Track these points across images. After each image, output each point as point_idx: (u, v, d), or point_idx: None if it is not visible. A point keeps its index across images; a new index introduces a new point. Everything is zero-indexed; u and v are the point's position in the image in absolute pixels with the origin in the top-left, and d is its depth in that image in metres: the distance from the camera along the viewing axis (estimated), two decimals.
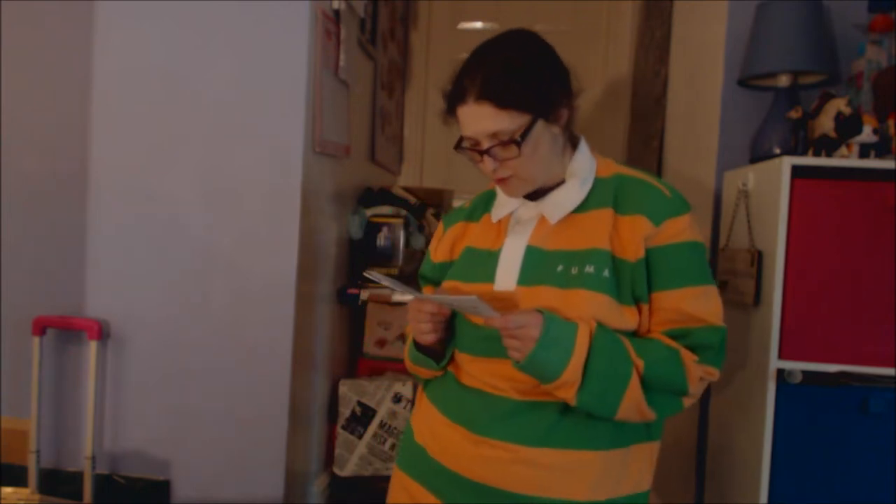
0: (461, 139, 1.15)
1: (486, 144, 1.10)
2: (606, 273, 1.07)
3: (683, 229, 1.10)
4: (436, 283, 1.28)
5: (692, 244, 1.11)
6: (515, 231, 1.17)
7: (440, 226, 1.33)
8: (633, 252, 1.08)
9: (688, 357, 1.08)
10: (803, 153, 1.72)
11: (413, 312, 1.17)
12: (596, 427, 1.10)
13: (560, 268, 1.09)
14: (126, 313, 1.99)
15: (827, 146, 1.64)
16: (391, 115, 3.21)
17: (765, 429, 1.57)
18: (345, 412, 2.27)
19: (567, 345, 1.03)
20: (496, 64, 1.08)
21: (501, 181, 1.14)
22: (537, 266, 1.12)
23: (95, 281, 2.00)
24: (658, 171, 2.68)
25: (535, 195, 1.17)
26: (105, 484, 1.99)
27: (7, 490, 1.93)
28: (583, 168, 1.16)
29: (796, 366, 1.57)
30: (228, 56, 1.94)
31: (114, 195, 1.98)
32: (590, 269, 1.07)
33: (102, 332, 1.97)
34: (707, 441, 1.99)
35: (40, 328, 1.98)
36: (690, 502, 2.08)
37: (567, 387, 1.04)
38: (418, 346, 1.22)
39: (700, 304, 1.08)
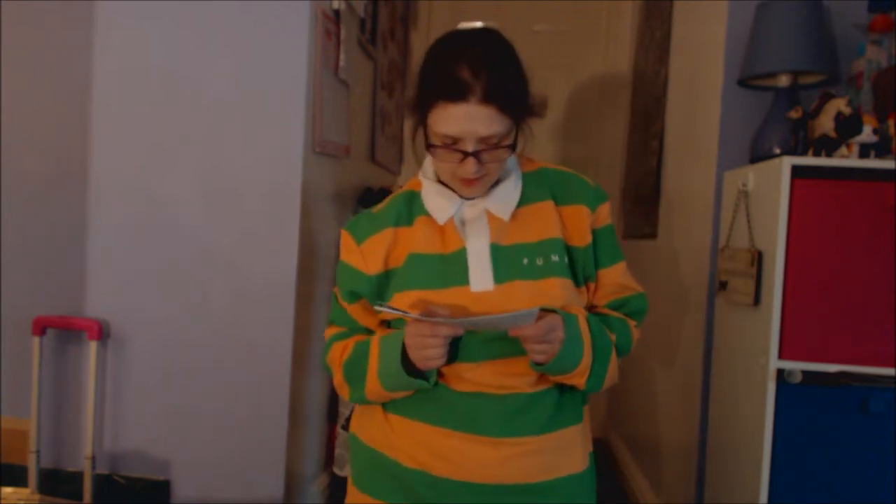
0: (425, 134, 1.11)
1: (472, 147, 1.07)
2: (565, 259, 1.16)
3: (608, 213, 1.22)
4: (371, 298, 1.18)
5: (612, 226, 1.23)
6: (471, 231, 1.15)
7: (348, 237, 1.21)
8: (580, 238, 1.17)
9: (632, 325, 1.24)
10: (803, 153, 1.72)
11: (424, 340, 1.07)
12: (574, 401, 1.21)
13: (525, 261, 1.14)
14: (126, 313, 1.99)
15: (827, 146, 1.64)
16: (391, 115, 3.22)
17: (765, 429, 1.57)
18: (345, 412, 2.27)
19: (579, 336, 1.11)
20: (499, 68, 1.08)
21: (469, 182, 1.11)
22: (504, 263, 1.13)
23: (95, 281, 2.00)
24: (658, 171, 2.68)
25: None
26: (105, 484, 1.99)
27: (7, 490, 1.93)
28: (512, 168, 1.20)
29: (796, 366, 1.57)
30: (228, 56, 1.94)
31: (114, 195, 1.98)
32: (555, 257, 1.15)
33: (102, 332, 1.97)
34: (707, 441, 1.99)
35: (40, 328, 1.98)
36: (690, 502, 2.08)
37: (581, 374, 1.13)
38: (411, 370, 1.11)
39: (628, 276, 1.24)
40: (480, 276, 1.12)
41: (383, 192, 2.62)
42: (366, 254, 1.19)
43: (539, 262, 1.14)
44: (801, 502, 1.58)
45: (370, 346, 1.17)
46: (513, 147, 1.10)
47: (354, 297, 1.22)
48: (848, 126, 1.59)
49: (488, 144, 1.08)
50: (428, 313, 1.09)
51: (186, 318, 1.97)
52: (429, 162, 1.21)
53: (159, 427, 1.99)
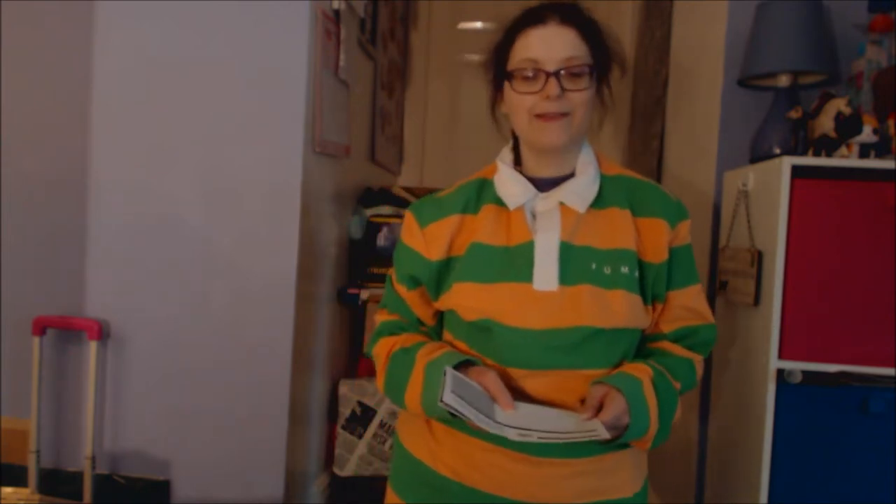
0: (504, 73, 1.08)
1: (553, 66, 1.03)
2: (636, 274, 1.08)
3: (688, 232, 1.15)
4: (430, 285, 1.14)
5: (690, 245, 1.16)
6: (542, 225, 1.08)
7: (412, 220, 1.16)
8: (656, 254, 1.10)
9: (697, 361, 1.16)
10: (803, 153, 1.72)
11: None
12: None
13: (594, 266, 1.07)
14: (126, 313, 1.99)
15: (827, 146, 1.64)
16: (391, 115, 3.22)
17: (765, 429, 1.57)
18: (345, 412, 2.27)
19: (645, 408, 1.04)
20: (581, 9, 1.10)
21: (551, 118, 1.05)
22: (573, 263, 1.06)
23: (95, 281, 2.00)
24: (658, 171, 2.68)
25: (545, 186, 1.11)
26: (105, 484, 1.99)
27: (7, 490, 1.93)
28: (591, 162, 1.13)
29: (796, 366, 1.57)
30: (228, 56, 1.94)
31: (114, 195, 1.98)
32: (625, 269, 1.07)
33: (102, 332, 1.97)
34: (707, 441, 1.99)
35: (40, 328, 1.98)
36: (690, 502, 2.08)
37: (647, 440, 1.07)
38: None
39: (702, 300, 1.16)
40: (546, 273, 1.05)
41: (383, 192, 2.62)
42: (429, 238, 1.13)
43: (607, 270, 1.07)
44: (801, 502, 1.58)
45: (415, 365, 1.10)
46: (595, 74, 1.07)
47: (414, 282, 1.16)
48: (848, 126, 1.59)
49: (570, 68, 1.04)
50: (488, 385, 1.02)
51: (186, 318, 1.97)
52: (507, 148, 1.17)
53: (159, 427, 1.99)
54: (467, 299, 1.08)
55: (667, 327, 1.14)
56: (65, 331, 2.02)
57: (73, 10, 1.98)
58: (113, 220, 1.98)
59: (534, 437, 0.98)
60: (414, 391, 1.09)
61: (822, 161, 1.57)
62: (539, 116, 1.05)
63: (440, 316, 1.19)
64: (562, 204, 1.09)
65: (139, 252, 1.97)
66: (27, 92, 2.04)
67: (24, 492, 1.94)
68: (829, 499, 1.57)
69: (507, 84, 1.08)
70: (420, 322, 1.20)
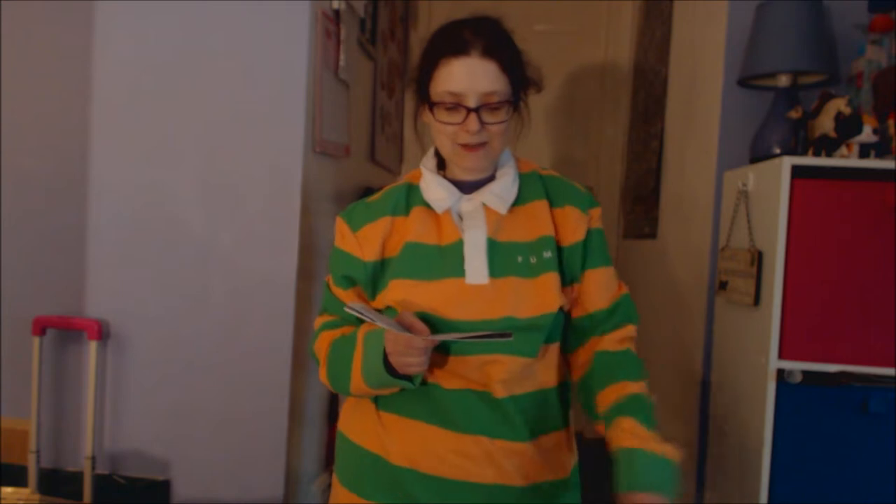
0: (427, 98, 1.12)
1: (474, 102, 1.08)
2: (556, 257, 1.17)
3: (600, 217, 1.23)
4: (366, 285, 1.19)
5: (603, 231, 1.25)
6: (469, 224, 1.15)
7: (344, 225, 1.22)
8: (570, 237, 1.18)
9: (632, 339, 1.23)
10: (803, 153, 1.72)
11: (406, 349, 1.05)
12: (561, 405, 1.23)
13: (520, 259, 1.14)
14: (126, 313, 1.99)
15: (827, 146, 1.64)
16: (391, 115, 3.21)
17: (765, 429, 1.57)
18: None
19: (668, 467, 1.08)
20: (500, 32, 1.12)
21: (472, 149, 1.12)
22: (500, 258, 1.14)
23: (95, 281, 2.00)
24: (658, 171, 2.68)
25: (468, 188, 1.19)
26: (105, 484, 1.99)
27: (7, 490, 1.93)
28: (510, 165, 1.20)
29: (796, 366, 1.57)
30: (228, 56, 1.94)
31: (114, 195, 1.98)
32: (547, 254, 1.16)
33: (102, 332, 1.97)
34: (707, 441, 1.99)
35: (40, 328, 1.98)
36: (690, 502, 2.08)
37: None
38: (392, 371, 1.10)
39: (615, 280, 1.24)
40: (476, 268, 1.13)
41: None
42: (361, 241, 1.19)
43: (532, 260, 1.15)
44: (801, 502, 1.58)
45: (356, 340, 1.16)
46: (514, 105, 1.12)
47: (349, 282, 1.21)
48: (848, 126, 1.59)
49: (489, 102, 1.08)
50: (403, 320, 1.07)
51: (186, 318, 1.97)
52: (430, 154, 1.22)
53: (159, 427, 1.99)
54: (405, 295, 1.13)
55: (595, 305, 1.21)
56: (65, 331, 2.02)
57: (73, 9, 1.98)
58: (113, 219, 1.98)
59: (440, 338, 1.05)
60: (356, 364, 1.14)
61: (822, 161, 1.57)
62: (461, 145, 1.12)
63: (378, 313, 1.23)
64: (485, 204, 1.16)
65: (139, 252, 1.98)
66: (27, 92, 2.04)
67: (24, 492, 1.94)
68: (829, 499, 1.57)
69: (429, 108, 1.14)
70: (359, 321, 1.23)
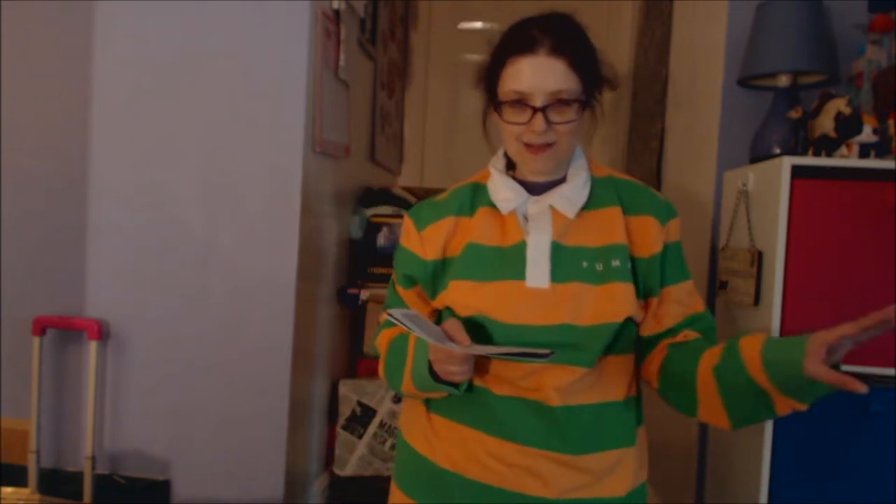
0: (494, 97, 1.09)
1: (540, 101, 1.04)
2: (628, 265, 1.11)
3: (679, 229, 1.17)
4: (426, 284, 1.18)
5: (681, 243, 1.19)
6: (534, 226, 1.11)
7: (410, 224, 1.20)
8: (646, 249, 1.12)
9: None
10: (803, 153, 1.72)
11: (447, 358, 1.04)
12: (624, 421, 1.16)
13: (585, 264, 1.10)
14: (126, 313, 1.99)
15: (827, 146, 1.64)
16: (391, 115, 3.22)
17: (765, 429, 1.57)
18: (345, 412, 2.27)
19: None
20: (571, 29, 1.08)
21: (537, 150, 1.08)
22: (564, 262, 1.09)
23: (95, 281, 2.00)
24: (658, 171, 2.68)
25: (538, 190, 1.15)
26: (105, 484, 1.99)
27: (7, 490, 1.93)
28: (582, 167, 1.16)
29: None
30: (228, 56, 1.94)
31: (114, 195, 1.98)
32: (616, 262, 1.10)
33: (102, 332, 1.97)
34: (707, 441, 1.99)
35: (40, 328, 1.98)
36: (690, 502, 2.08)
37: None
38: (437, 377, 1.08)
39: (696, 294, 1.19)
40: (537, 271, 1.08)
41: (383, 192, 2.62)
42: (425, 240, 1.17)
43: (599, 267, 1.09)
44: (801, 502, 1.58)
45: (409, 342, 1.15)
46: (583, 104, 1.07)
47: (410, 282, 1.20)
48: (848, 126, 1.59)
49: (557, 101, 1.05)
50: (447, 328, 1.04)
51: (186, 318, 1.97)
52: (500, 154, 1.19)
53: (159, 427, 1.99)
54: (463, 296, 1.10)
55: (672, 321, 1.15)
56: (65, 331, 2.02)
57: (73, 9, 1.98)
58: (113, 219, 1.98)
59: (478, 351, 1.00)
60: (407, 366, 1.13)
61: (822, 161, 1.57)
62: (526, 145, 1.08)
63: (438, 316, 1.21)
64: (552, 207, 1.12)
65: (139, 252, 1.98)
66: (27, 92, 2.04)
67: (24, 492, 1.94)
68: (828, 499, 1.57)
69: (496, 108, 1.11)
70: None
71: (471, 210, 1.17)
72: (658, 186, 2.68)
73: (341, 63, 2.20)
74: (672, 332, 1.15)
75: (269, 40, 1.93)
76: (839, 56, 1.91)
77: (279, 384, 1.96)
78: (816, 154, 1.66)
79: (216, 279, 1.96)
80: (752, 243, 1.70)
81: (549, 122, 1.05)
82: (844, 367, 1.04)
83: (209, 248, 1.96)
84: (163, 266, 1.97)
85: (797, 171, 1.55)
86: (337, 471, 2.28)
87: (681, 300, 1.15)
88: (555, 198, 1.12)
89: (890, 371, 1.53)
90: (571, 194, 1.12)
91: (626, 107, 3.45)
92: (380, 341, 1.24)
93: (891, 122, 1.62)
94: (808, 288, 1.56)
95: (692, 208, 2.24)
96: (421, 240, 1.17)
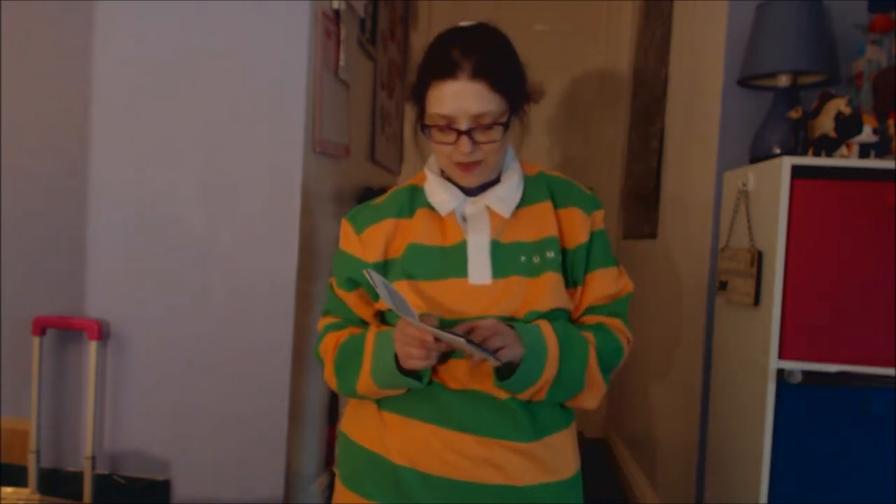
0: (422, 118, 1.14)
1: (465, 125, 1.09)
2: (559, 258, 1.18)
3: (603, 219, 1.24)
4: (368, 286, 1.19)
5: (606, 231, 1.25)
6: (473, 226, 1.16)
7: (348, 226, 1.24)
8: (574, 239, 1.19)
9: (616, 325, 1.23)
10: (803, 153, 1.72)
11: (408, 338, 1.06)
12: (566, 406, 1.22)
13: (523, 258, 1.15)
14: (126, 313, 1.99)
15: (827, 146, 1.64)
16: (391, 115, 3.22)
17: (765, 429, 1.57)
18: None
19: (542, 343, 1.11)
20: (489, 48, 1.11)
21: (466, 167, 1.13)
22: (503, 259, 1.15)
23: (95, 281, 2.00)
24: (658, 171, 2.68)
25: (473, 191, 1.19)
26: (105, 484, 1.99)
27: (7, 490, 1.93)
28: (515, 168, 1.21)
29: (796, 366, 1.57)
30: (228, 56, 1.94)
31: (114, 195, 1.98)
32: (550, 254, 1.17)
33: (102, 332, 1.97)
34: (707, 441, 1.99)
35: (40, 328, 1.98)
36: (690, 502, 2.08)
37: (544, 382, 1.11)
38: (402, 369, 1.10)
39: (617, 280, 1.23)
40: (479, 269, 1.14)
41: (383, 192, 2.62)
42: (365, 243, 1.21)
43: (535, 259, 1.16)
44: (801, 502, 1.58)
45: (365, 340, 1.17)
46: (505, 126, 1.11)
47: (352, 284, 1.23)
48: (848, 126, 1.59)
49: (481, 123, 1.09)
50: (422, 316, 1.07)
51: (186, 318, 1.97)
52: (434, 157, 1.22)
53: (159, 427, 1.99)
54: (408, 296, 1.13)
55: (589, 304, 1.22)
56: (65, 331, 2.02)
57: (73, 9, 1.98)
58: (113, 219, 1.98)
59: (444, 336, 1.03)
60: (366, 363, 1.15)
61: (822, 161, 1.57)
62: (456, 163, 1.13)
63: (381, 316, 1.24)
64: (489, 207, 1.17)
65: (139, 252, 1.98)
66: (27, 92, 2.04)
67: (24, 492, 1.94)
68: (828, 499, 1.57)
69: (423, 129, 1.15)
70: (362, 321, 1.25)
71: (410, 212, 1.21)
72: (658, 186, 2.68)
73: (341, 63, 2.20)
74: (591, 312, 1.21)
75: (269, 40, 1.93)
76: (839, 56, 1.91)
77: (279, 384, 1.96)
78: (816, 154, 1.66)
79: (216, 279, 1.97)
80: (752, 243, 1.70)
81: (474, 143, 1.09)
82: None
83: (209, 248, 1.96)
84: (163, 266, 1.97)
85: (797, 171, 1.55)
86: (337, 471, 2.28)
87: (604, 285, 1.21)
88: (491, 199, 1.17)
89: (890, 371, 1.53)
90: (506, 195, 1.18)
91: (626, 107, 3.45)
92: (324, 347, 1.25)
93: (891, 122, 1.62)
94: (808, 288, 1.56)
95: (692, 208, 2.24)
96: (361, 242, 1.21)
